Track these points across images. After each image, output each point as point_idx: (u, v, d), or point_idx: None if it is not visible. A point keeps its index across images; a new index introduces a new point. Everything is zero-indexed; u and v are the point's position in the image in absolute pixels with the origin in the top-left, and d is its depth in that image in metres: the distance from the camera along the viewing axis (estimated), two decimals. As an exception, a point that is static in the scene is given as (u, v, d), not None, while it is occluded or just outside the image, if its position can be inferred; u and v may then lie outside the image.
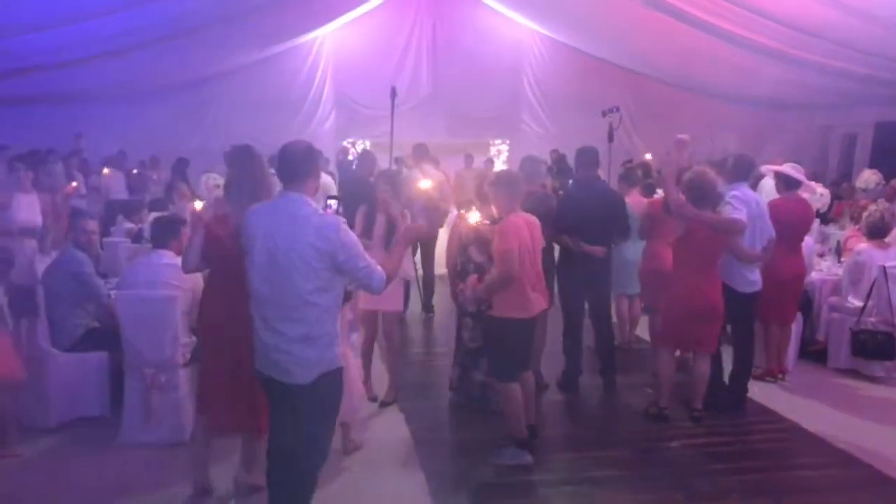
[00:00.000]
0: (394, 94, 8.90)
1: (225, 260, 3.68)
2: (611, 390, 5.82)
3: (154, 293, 4.71)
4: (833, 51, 9.52)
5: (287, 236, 3.02)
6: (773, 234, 5.38)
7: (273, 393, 3.21)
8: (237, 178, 3.84)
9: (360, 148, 14.49)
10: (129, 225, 8.07)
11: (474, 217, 4.73)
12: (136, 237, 7.37)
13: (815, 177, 12.12)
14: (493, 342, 4.66)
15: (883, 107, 12.93)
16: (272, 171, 3.65)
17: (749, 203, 5.21)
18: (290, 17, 12.06)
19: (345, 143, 14.82)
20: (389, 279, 3.23)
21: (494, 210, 4.59)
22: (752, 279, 5.38)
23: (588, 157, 5.84)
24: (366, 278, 3.11)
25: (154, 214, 6.98)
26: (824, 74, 10.95)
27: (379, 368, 5.69)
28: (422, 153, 8.85)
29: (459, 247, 5.18)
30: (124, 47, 10.12)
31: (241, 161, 3.83)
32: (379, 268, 3.15)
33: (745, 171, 5.50)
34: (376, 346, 5.60)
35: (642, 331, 7.00)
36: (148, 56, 10.98)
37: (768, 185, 7.62)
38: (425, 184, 6.23)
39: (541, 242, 4.63)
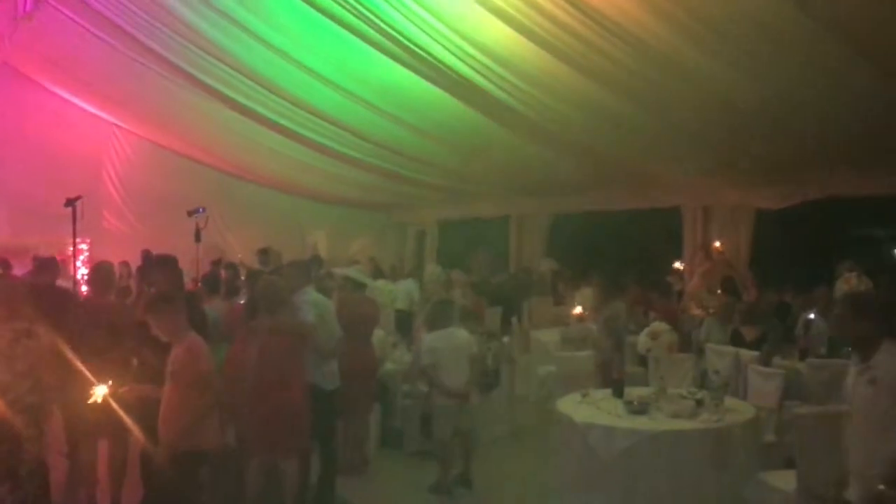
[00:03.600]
0: (73, 202, 7.54)
1: None
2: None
3: None
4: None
5: None
6: (340, 332, 5.70)
7: None
8: None
9: None
10: None
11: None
12: None
13: (394, 271, 13.47)
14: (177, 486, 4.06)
15: (446, 207, 15.02)
16: None
17: (318, 304, 5.50)
18: None
19: None
20: None
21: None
22: (332, 375, 5.60)
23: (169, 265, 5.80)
24: None
25: None
26: (396, 180, 12.31)
27: None
28: None
29: None
30: None
31: None
32: None
33: (306, 275, 5.83)
34: None
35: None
36: None
37: None
38: None
39: None
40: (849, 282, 7.26)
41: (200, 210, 9.71)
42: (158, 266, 5.79)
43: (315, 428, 5.37)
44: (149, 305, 4.25)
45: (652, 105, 7.28)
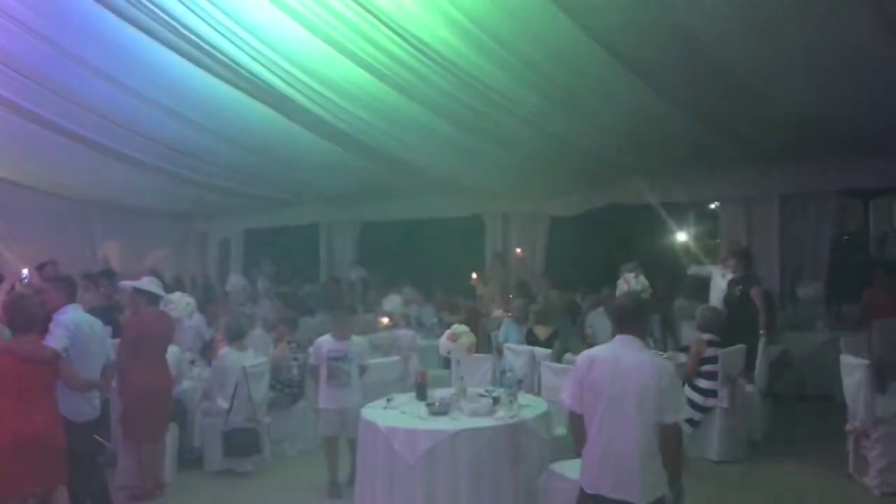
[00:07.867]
0: None
1: None
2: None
3: None
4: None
5: None
6: (111, 356, 5.31)
7: None
8: None
9: None
10: None
11: None
12: None
13: (193, 282, 12.84)
14: None
15: (252, 215, 14.56)
16: None
17: (80, 326, 4.97)
18: None
19: None
20: None
21: None
22: (89, 408, 5.08)
23: None
24: None
25: None
26: (195, 186, 11.72)
27: None
28: None
29: None
30: None
31: None
32: None
33: (74, 293, 5.29)
34: None
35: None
36: None
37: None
38: None
39: None
40: (627, 282, 7.89)
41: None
42: None
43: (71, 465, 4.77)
44: None
45: (461, 122, 7.56)
